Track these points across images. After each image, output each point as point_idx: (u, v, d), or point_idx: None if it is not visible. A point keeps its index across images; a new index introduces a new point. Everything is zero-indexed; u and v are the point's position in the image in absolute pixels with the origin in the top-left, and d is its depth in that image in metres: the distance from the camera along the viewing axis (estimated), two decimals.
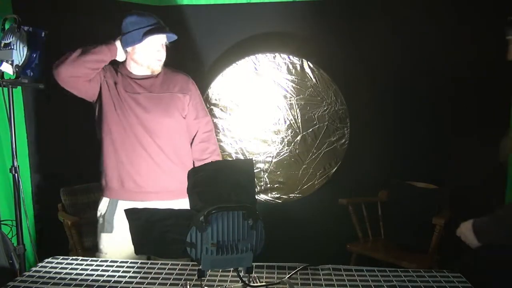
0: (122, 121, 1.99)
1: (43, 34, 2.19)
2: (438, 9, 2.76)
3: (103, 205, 2.05)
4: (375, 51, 2.90)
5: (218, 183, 1.24)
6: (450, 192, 2.67)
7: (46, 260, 1.63)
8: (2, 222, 2.54)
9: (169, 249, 1.23)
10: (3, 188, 2.69)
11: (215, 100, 2.91)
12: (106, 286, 1.39)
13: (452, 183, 2.70)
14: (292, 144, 2.95)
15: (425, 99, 2.87)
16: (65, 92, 1.96)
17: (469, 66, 2.74)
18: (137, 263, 1.59)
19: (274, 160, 2.97)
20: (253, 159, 2.94)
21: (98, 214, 2.06)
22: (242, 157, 2.95)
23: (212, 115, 2.92)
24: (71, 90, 1.96)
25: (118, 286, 1.39)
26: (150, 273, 1.49)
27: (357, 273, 1.48)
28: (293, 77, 2.89)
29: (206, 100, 2.90)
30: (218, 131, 2.93)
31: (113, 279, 1.44)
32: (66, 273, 1.49)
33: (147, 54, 2.00)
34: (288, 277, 1.43)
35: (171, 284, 1.40)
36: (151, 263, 1.57)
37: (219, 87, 2.90)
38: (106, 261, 1.61)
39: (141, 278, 1.45)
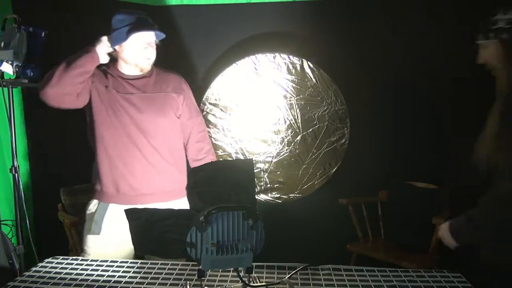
0: (115, 124, 1.96)
1: (43, 34, 2.19)
2: (438, 9, 2.76)
3: (93, 206, 2.02)
4: (375, 51, 2.90)
5: (218, 183, 1.24)
6: (450, 192, 2.67)
7: (46, 260, 1.63)
8: (2, 222, 2.54)
9: (169, 249, 1.23)
10: (3, 188, 2.70)
11: (215, 100, 2.91)
12: (106, 286, 1.39)
13: (452, 183, 2.70)
14: (292, 144, 2.95)
15: (425, 99, 2.87)
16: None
17: (469, 66, 2.73)
18: (137, 263, 1.59)
19: (274, 160, 2.97)
20: (253, 159, 2.94)
21: (87, 214, 2.03)
22: (242, 157, 2.95)
23: (212, 115, 2.92)
24: (61, 107, 1.93)
25: (118, 286, 1.39)
26: (150, 273, 1.49)
27: (357, 273, 1.48)
28: (293, 77, 2.89)
29: (206, 100, 2.90)
30: (218, 131, 2.94)
31: (113, 279, 1.44)
32: (66, 273, 1.49)
33: (134, 52, 1.98)
34: (288, 277, 1.43)
35: (171, 284, 1.40)
36: (151, 263, 1.57)
37: (219, 87, 2.90)
38: (106, 261, 1.61)
39: (141, 278, 1.45)
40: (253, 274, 1.36)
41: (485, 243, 1.56)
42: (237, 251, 1.18)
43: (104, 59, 1.97)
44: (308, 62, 2.88)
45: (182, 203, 2.07)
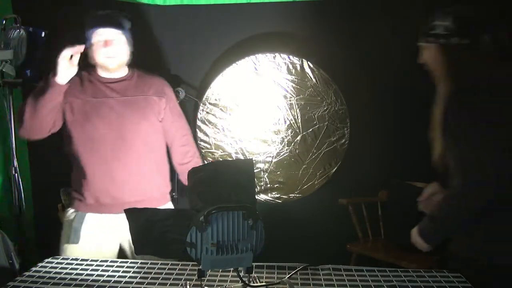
0: (92, 135, 1.91)
1: (43, 34, 2.19)
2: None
3: (71, 214, 1.98)
4: (375, 51, 2.90)
5: (218, 183, 1.24)
6: None
7: (46, 260, 1.63)
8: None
9: (169, 249, 1.23)
10: (3, 188, 2.69)
11: (215, 100, 2.91)
12: (106, 286, 1.39)
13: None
14: (292, 144, 2.95)
15: (425, 99, 2.86)
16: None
17: None
18: (137, 263, 1.59)
19: (274, 160, 2.97)
20: (253, 159, 2.94)
21: (65, 222, 1.99)
22: (242, 157, 2.95)
23: (212, 115, 2.92)
24: (43, 137, 1.95)
25: (118, 286, 1.39)
26: (150, 273, 1.49)
27: (357, 273, 1.48)
28: (293, 77, 2.89)
29: (206, 100, 2.90)
30: (218, 131, 2.94)
31: (113, 279, 1.44)
32: (66, 273, 1.49)
33: (96, 52, 1.92)
34: (288, 277, 1.43)
35: (171, 284, 1.40)
36: (151, 263, 1.57)
37: (219, 87, 2.90)
38: (106, 261, 1.61)
39: (141, 278, 1.45)
40: (253, 274, 1.36)
41: (455, 239, 1.62)
42: (237, 251, 1.18)
43: (67, 79, 1.88)
44: (308, 62, 2.88)
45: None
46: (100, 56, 1.93)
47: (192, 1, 2.92)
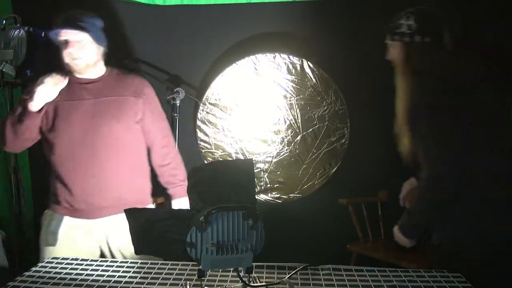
0: (66, 137, 1.88)
1: (43, 34, 2.19)
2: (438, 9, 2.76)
3: (49, 217, 1.96)
4: (375, 51, 2.89)
5: (218, 183, 1.24)
6: None
7: (46, 260, 1.63)
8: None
9: (169, 249, 1.23)
10: (3, 188, 2.70)
11: (215, 100, 2.91)
12: (106, 286, 1.39)
13: None
14: (292, 144, 2.95)
15: None
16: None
17: None
18: (137, 263, 1.59)
19: (274, 160, 2.97)
20: (253, 159, 2.94)
21: (43, 225, 1.97)
22: (242, 157, 2.95)
23: (212, 115, 2.92)
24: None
25: (118, 286, 1.39)
26: (150, 273, 1.49)
27: (357, 273, 1.48)
28: (293, 77, 2.89)
29: (206, 100, 2.90)
30: (218, 131, 2.94)
31: (113, 279, 1.44)
32: (66, 273, 1.49)
33: (62, 54, 1.89)
34: (288, 277, 1.43)
35: (171, 284, 1.40)
36: (151, 263, 1.57)
37: (219, 87, 2.90)
38: (106, 261, 1.61)
39: (141, 278, 1.45)
40: (253, 274, 1.36)
41: (435, 231, 1.70)
42: (237, 251, 1.18)
43: (41, 105, 1.85)
44: (308, 62, 2.88)
45: None
46: (65, 57, 1.89)
47: (192, 1, 2.92)
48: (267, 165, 2.98)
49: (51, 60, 2.01)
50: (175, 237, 1.19)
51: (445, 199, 1.58)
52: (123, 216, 1.88)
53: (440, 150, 1.56)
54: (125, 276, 1.46)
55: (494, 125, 1.64)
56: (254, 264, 1.22)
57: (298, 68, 2.89)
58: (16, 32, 2.12)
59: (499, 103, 1.70)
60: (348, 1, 2.93)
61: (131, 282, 1.41)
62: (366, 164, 2.96)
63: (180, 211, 1.29)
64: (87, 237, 1.94)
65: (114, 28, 2.93)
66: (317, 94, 2.91)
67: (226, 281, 1.41)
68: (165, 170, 2.10)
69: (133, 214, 1.26)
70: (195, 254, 1.17)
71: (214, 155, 2.95)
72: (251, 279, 1.35)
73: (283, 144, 2.96)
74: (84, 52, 1.89)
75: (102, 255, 1.99)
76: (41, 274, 1.48)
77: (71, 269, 1.53)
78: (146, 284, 1.40)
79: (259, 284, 1.37)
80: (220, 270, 1.47)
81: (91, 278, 1.45)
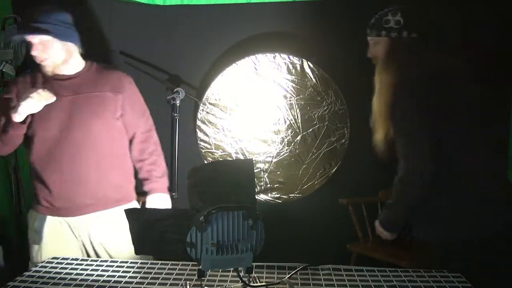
0: (44, 135, 1.84)
1: None
2: (438, 9, 2.76)
3: (32, 216, 1.95)
4: None
5: (218, 183, 1.24)
6: None
7: (46, 260, 1.63)
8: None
9: (169, 249, 1.23)
10: (3, 188, 2.70)
11: (215, 100, 2.91)
12: (106, 286, 1.39)
13: None
14: (292, 144, 2.95)
15: None
16: None
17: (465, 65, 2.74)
18: (137, 263, 1.59)
19: (274, 160, 2.97)
20: (253, 159, 2.94)
21: (29, 224, 1.95)
22: (242, 157, 2.95)
23: (212, 115, 2.92)
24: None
25: (118, 286, 1.39)
26: (150, 273, 1.49)
27: (357, 273, 1.48)
28: (293, 77, 2.90)
29: (206, 100, 2.90)
30: (218, 131, 2.94)
31: (113, 279, 1.44)
32: (66, 273, 1.49)
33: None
34: (288, 277, 1.43)
35: (171, 284, 1.40)
36: (151, 263, 1.57)
37: (219, 87, 2.90)
38: (106, 261, 1.61)
39: (141, 278, 1.45)
40: (253, 274, 1.36)
41: (415, 223, 1.75)
42: (237, 251, 1.18)
43: (19, 118, 1.78)
44: (308, 62, 2.88)
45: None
46: (35, 58, 1.84)
47: (192, 1, 2.92)
48: (267, 165, 2.98)
49: None
50: (175, 237, 1.19)
51: (423, 193, 1.62)
52: (104, 213, 1.90)
53: (419, 144, 1.60)
54: (125, 276, 1.46)
55: (479, 123, 1.69)
56: (254, 264, 1.22)
57: (298, 68, 2.89)
58: (16, 32, 2.11)
59: (484, 101, 1.75)
60: (348, 1, 2.93)
61: (131, 282, 1.41)
62: (366, 164, 2.96)
63: (180, 211, 1.29)
64: (71, 235, 1.94)
65: (113, 28, 2.94)
66: (317, 94, 2.91)
67: (226, 281, 1.41)
68: (142, 166, 2.05)
69: (133, 214, 1.26)
70: (195, 254, 1.17)
71: (214, 155, 2.95)
72: (251, 279, 1.35)
73: (283, 144, 2.96)
74: (49, 52, 1.83)
75: (86, 253, 1.98)
76: (41, 274, 1.48)
77: (71, 269, 1.53)
78: (146, 284, 1.40)
79: (259, 284, 1.37)
80: (220, 270, 1.47)
81: (91, 278, 1.45)
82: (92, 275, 1.47)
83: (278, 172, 2.98)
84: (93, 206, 1.90)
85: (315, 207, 3.01)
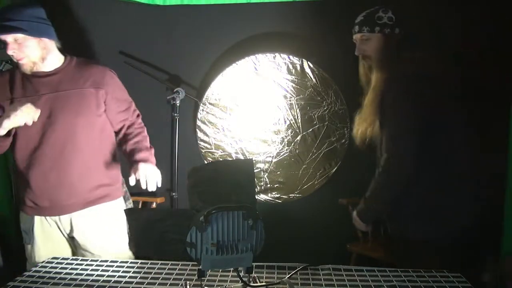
0: (25, 135, 1.81)
1: None
2: (438, 9, 2.76)
3: (21, 216, 1.95)
4: None
5: (218, 183, 1.24)
6: None
7: (46, 260, 1.63)
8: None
9: (169, 249, 1.23)
10: (3, 188, 2.70)
11: (215, 100, 2.91)
12: (106, 286, 1.39)
13: None
14: (292, 144, 2.95)
15: None
16: None
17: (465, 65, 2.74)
18: (137, 263, 1.59)
19: (274, 160, 2.97)
20: (253, 159, 2.94)
21: (20, 225, 1.96)
22: (242, 157, 2.95)
23: (212, 115, 2.92)
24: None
25: (118, 286, 1.39)
26: (150, 273, 1.49)
27: (357, 273, 1.48)
28: (293, 77, 2.89)
29: (206, 100, 2.90)
30: (218, 131, 2.94)
31: (113, 279, 1.44)
32: (66, 273, 1.49)
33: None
34: (288, 277, 1.43)
35: (171, 284, 1.40)
36: (151, 263, 1.57)
37: (219, 87, 2.90)
38: (106, 261, 1.61)
39: (141, 278, 1.45)
40: (253, 274, 1.36)
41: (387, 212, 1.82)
42: (237, 251, 1.18)
43: (8, 129, 1.74)
44: (308, 62, 2.88)
45: (114, 206, 1.97)
46: (12, 57, 1.80)
47: (192, 1, 2.92)
48: (267, 165, 2.98)
49: None
50: (175, 237, 1.19)
51: (402, 188, 1.68)
52: (88, 211, 1.89)
53: (402, 138, 1.65)
54: (125, 276, 1.46)
55: (476, 122, 1.78)
56: (254, 264, 1.22)
57: (298, 68, 2.89)
58: None
59: (483, 101, 1.88)
60: (348, 1, 2.93)
61: (131, 282, 1.41)
62: (366, 164, 2.96)
63: (180, 211, 1.29)
64: (58, 233, 1.93)
65: (113, 28, 2.94)
66: (317, 94, 2.91)
67: (226, 281, 1.41)
68: (128, 140, 1.97)
69: (133, 214, 1.26)
70: (195, 254, 1.17)
71: (214, 155, 2.95)
72: (251, 279, 1.35)
73: (283, 144, 2.96)
74: (25, 50, 1.78)
75: (73, 250, 1.98)
76: (41, 274, 1.48)
77: (71, 269, 1.53)
78: (146, 284, 1.40)
79: (259, 284, 1.37)
80: (220, 270, 1.47)
81: (91, 278, 1.45)
82: (92, 275, 1.47)
83: (278, 172, 2.98)
84: (77, 205, 1.89)
85: (315, 207, 3.01)
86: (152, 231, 1.22)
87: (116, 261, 1.61)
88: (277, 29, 2.94)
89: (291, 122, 2.93)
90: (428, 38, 1.76)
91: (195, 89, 2.99)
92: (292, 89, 2.91)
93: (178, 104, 2.76)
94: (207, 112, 2.92)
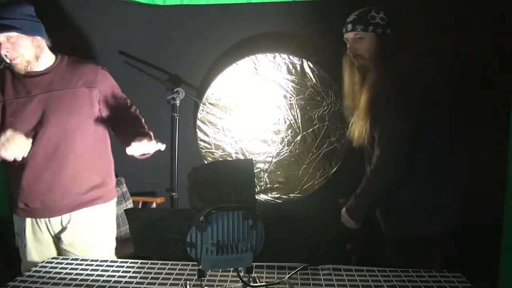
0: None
1: None
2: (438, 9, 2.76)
3: (15, 218, 1.94)
4: None
5: (218, 183, 1.24)
6: None
7: (46, 260, 1.63)
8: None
9: (169, 249, 1.23)
10: (3, 188, 2.69)
11: (215, 100, 2.91)
12: (106, 286, 1.39)
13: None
14: (292, 144, 2.95)
15: None
16: None
17: (463, 65, 2.74)
18: (137, 263, 1.59)
19: (274, 160, 2.97)
20: (253, 159, 2.94)
21: (14, 226, 1.95)
22: (242, 157, 2.95)
23: (212, 115, 2.92)
24: None
25: (118, 286, 1.39)
26: (150, 273, 1.49)
27: (357, 273, 1.48)
28: (293, 77, 2.89)
29: (206, 100, 2.90)
30: (218, 131, 2.94)
31: (113, 279, 1.44)
32: (66, 273, 1.49)
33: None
34: (288, 277, 1.43)
35: (171, 284, 1.40)
36: (151, 263, 1.57)
37: (219, 87, 2.90)
38: (106, 261, 1.61)
39: (141, 278, 1.45)
40: (253, 274, 1.36)
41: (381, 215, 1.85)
42: (237, 251, 1.18)
43: None
44: (308, 62, 2.88)
45: (106, 208, 1.95)
46: (5, 58, 1.75)
47: (192, 1, 2.92)
48: (267, 165, 2.98)
49: None
50: (175, 237, 1.19)
51: (392, 187, 1.71)
52: (80, 213, 1.88)
53: (399, 140, 1.67)
54: (125, 276, 1.46)
55: (474, 122, 1.80)
56: (254, 264, 1.22)
57: (298, 68, 2.89)
58: None
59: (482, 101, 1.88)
60: (348, 1, 2.92)
61: (131, 282, 1.41)
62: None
63: (180, 211, 1.29)
64: (48, 236, 1.92)
65: (113, 28, 2.94)
66: (317, 94, 2.90)
67: (226, 281, 1.41)
68: (121, 133, 1.90)
69: (133, 214, 1.26)
70: (195, 254, 1.17)
71: (214, 155, 2.95)
72: (251, 279, 1.35)
73: (283, 144, 2.96)
74: (19, 50, 1.74)
75: (59, 251, 1.96)
76: (41, 274, 1.48)
77: (71, 269, 1.53)
78: (146, 284, 1.40)
79: (259, 284, 1.37)
80: (220, 270, 1.47)
81: (91, 278, 1.45)
82: (92, 275, 1.48)
83: (278, 172, 2.98)
84: (70, 206, 1.87)
85: (315, 207, 3.01)
86: (152, 231, 1.22)
87: (116, 261, 1.61)
88: (277, 29, 2.94)
89: (291, 122, 2.93)
90: (422, 38, 1.76)
91: (195, 89, 2.99)
92: (292, 89, 2.91)
93: (178, 104, 2.76)
94: (207, 112, 2.92)
